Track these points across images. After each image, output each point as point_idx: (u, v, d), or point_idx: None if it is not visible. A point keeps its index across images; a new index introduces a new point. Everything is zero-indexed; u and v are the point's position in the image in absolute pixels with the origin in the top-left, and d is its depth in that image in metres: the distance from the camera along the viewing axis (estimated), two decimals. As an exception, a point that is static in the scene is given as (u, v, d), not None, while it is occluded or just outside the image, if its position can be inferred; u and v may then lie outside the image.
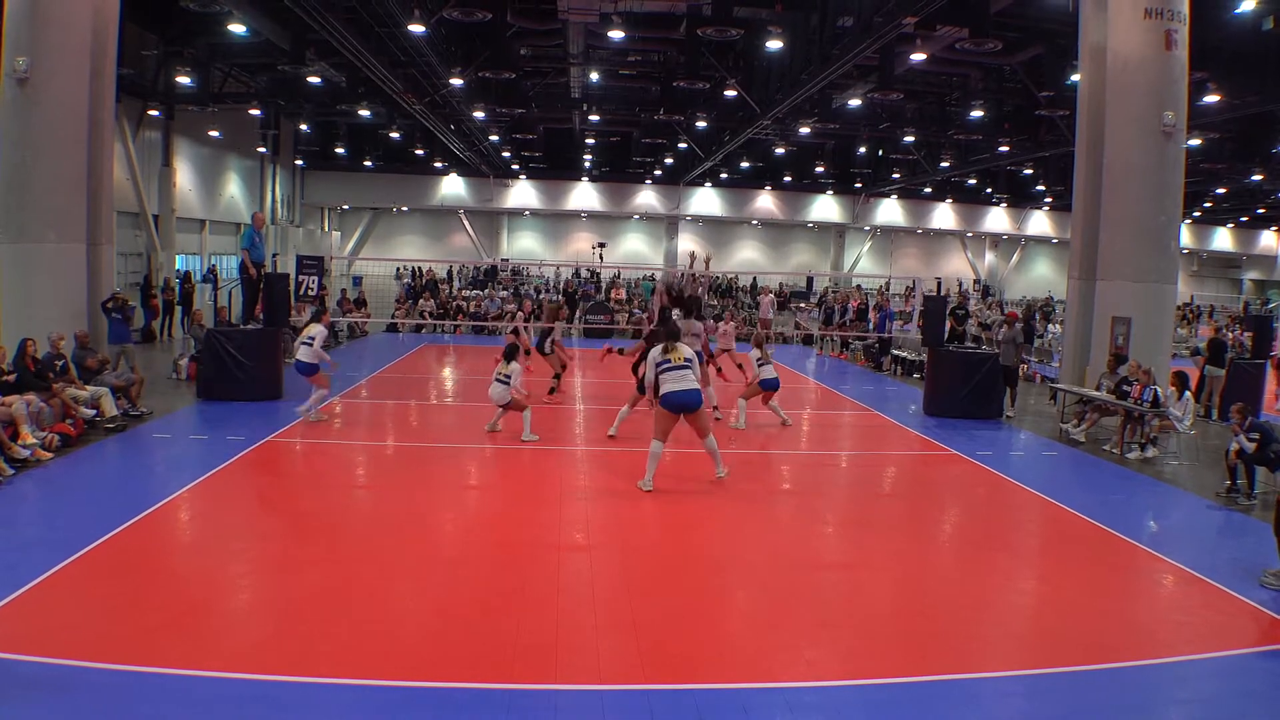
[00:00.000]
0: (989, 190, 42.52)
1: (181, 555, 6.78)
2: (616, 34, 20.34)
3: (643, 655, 5.22)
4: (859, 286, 34.10)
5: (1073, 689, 5.07)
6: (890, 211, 44.73)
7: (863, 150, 36.98)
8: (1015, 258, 48.80)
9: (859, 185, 41.75)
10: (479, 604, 5.92)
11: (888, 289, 29.08)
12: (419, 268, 33.96)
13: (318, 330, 11.31)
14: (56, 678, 4.67)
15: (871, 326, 21.22)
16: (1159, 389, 11.16)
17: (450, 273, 34.72)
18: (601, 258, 32.12)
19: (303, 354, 11.12)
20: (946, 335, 15.71)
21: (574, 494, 8.61)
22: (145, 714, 4.39)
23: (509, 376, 10.63)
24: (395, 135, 35.43)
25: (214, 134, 29.68)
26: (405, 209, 44.71)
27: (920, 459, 11.19)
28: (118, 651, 4.95)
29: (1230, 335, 20.07)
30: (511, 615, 5.69)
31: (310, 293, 13.54)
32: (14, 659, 4.79)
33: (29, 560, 6.10)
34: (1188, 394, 11.22)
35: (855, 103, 24.25)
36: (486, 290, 30.14)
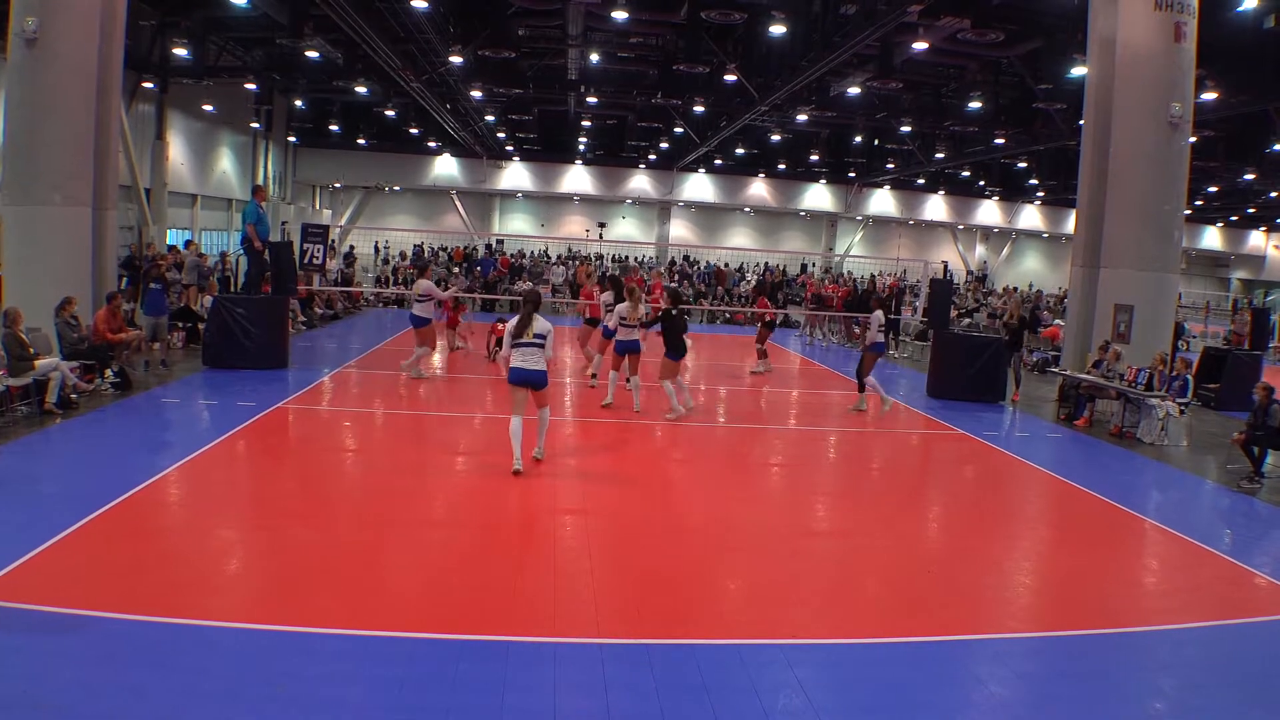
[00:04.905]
0: (982, 183, 42.61)
1: (199, 515, 6.75)
2: (619, 15, 20.22)
3: (641, 612, 5.26)
4: (849, 273, 34.19)
5: (1071, 653, 5.14)
6: (882, 202, 44.76)
7: (858, 140, 37.00)
8: (1006, 251, 49.02)
9: (853, 175, 41.77)
10: (485, 562, 5.97)
11: (904, 275, 29.19)
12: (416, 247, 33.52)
13: (426, 284, 12.51)
14: (66, 623, 4.70)
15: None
16: (1154, 372, 11.38)
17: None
18: (601, 237, 32.15)
19: (419, 308, 12.36)
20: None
21: (569, 461, 8.71)
22: (158, 655, 4.46)
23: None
24: (390, 114, 35.12)
25: (207, 108, 29.28)
26: (398, 188, 44.33)
27: (929, 438, 11.32)
28: (132, 603, 4.98)
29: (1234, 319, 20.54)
30: (513, 573, 5.78)
31: (315, 261, 13.45)
32: (31, 609, 4.81)
33: (46, 519, 6.10)
34: (1189, 377, 11.42)
35: (854, 90, 24.26)
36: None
